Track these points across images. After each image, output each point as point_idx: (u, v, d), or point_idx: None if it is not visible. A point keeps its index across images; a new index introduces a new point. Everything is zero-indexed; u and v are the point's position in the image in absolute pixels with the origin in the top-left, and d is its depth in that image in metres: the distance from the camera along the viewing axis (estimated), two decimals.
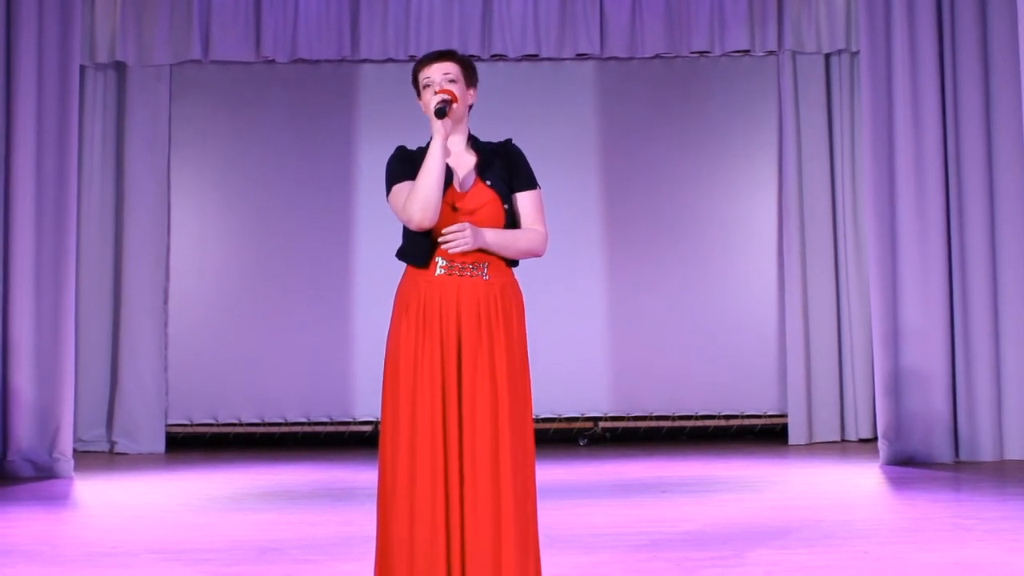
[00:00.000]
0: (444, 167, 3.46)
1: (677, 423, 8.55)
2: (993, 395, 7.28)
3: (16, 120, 7.04)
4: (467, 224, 3.44)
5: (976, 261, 7.30)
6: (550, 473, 6.81)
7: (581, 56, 8.59)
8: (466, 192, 3.53)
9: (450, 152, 3.53)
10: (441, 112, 3.48)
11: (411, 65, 3.71)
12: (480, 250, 3.50)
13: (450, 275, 3.49)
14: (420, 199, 3.43)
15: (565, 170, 8.39)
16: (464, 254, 3.49)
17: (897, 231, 7.29)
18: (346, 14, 8.45)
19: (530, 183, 3.61)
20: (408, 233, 3.55)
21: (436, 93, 3.52)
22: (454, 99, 3.53)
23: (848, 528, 5.17)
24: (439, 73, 3.57)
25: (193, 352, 8.41)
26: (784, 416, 8.44)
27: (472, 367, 3.43)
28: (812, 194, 8.50)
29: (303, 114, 8.60)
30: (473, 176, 3.57)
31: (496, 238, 3.50)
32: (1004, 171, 7.32)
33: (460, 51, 3.75)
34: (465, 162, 3.59)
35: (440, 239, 3.44)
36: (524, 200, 3.58)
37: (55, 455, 6.98)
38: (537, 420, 7.95)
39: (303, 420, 8.48)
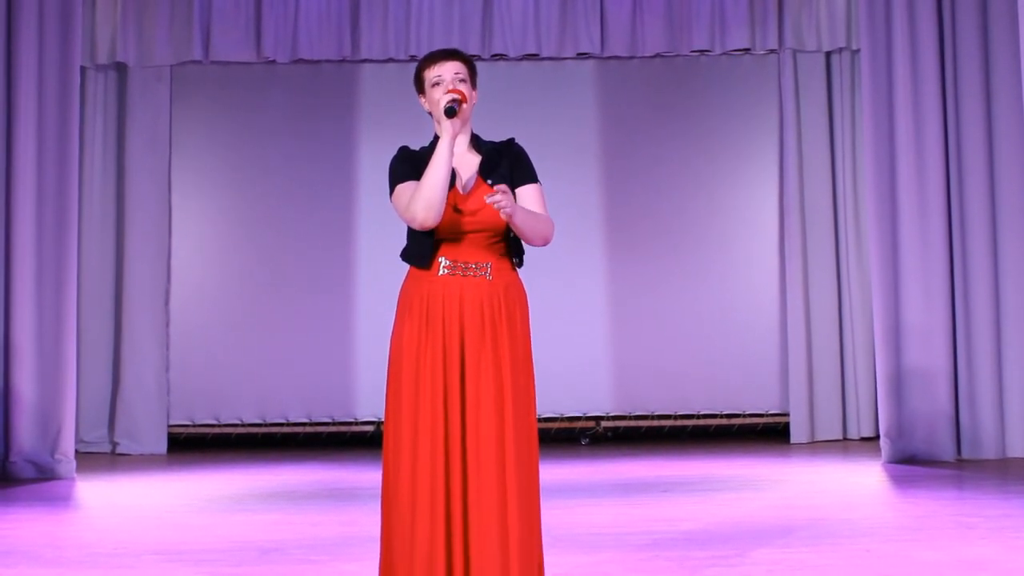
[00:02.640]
0: (451, 166, 3.45)
1: (679, 422, 8.55)
2: (995, 392, 7.28)
3: (17, 121, 7.04)
4: (506, 187, 3.41)
5: (978, 259, 7.30)
6: (552, 472, 6.80)
7: (582, 55, 8.59)
8: (469, 194, 3.53)
9: (454, 153, 3.52)
10: (451, 111, 3.46)
11: (412, 65, 3.70)
12: (484, 248, 3.49)
13: (453, 275, 3.49)
14: (425, 198, 3.42)
15: (566, 169, 8.39)
16: (468, 253, 3.48)
17: (898, 229, 7.29)
18: (346, 14, 8.45)
19: (532, 177, 3.60)
20: (411, 234, 3.54)
21: (447, 92, 3.51)
22: (464, 99, 3.52)
23: (850, 527, 5.16)
24: (450, 72, 3.55)
25: (195, 353, 8.41)
26: (786, 415, 8.43)
27: (475, 367, 3.42)
28: (813, 193, 8.50)
29: (304, 114, 8.60)
30: (476, 177, 3.56)
31: (524, 215, 3.48)
32: (1005, 169, 7.31)
33: (461, 51, 3.74)
34: (468, 163, 3.59)
35: (489, 198, 3.38)
36: (526, 193, 3.57)
37: (57, 456, 6.97)
38: (539, 420, 7.87)
39: (305, 420, 8.48)
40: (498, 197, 3.36)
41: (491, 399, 3.40)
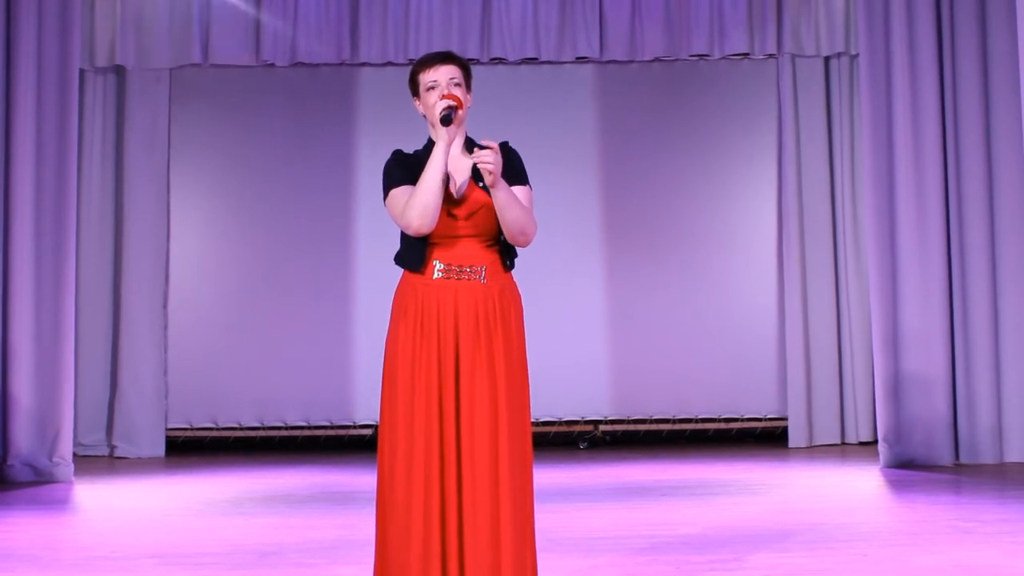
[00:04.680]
0: (445, 174, 3.45)
1: (677, 426, 8.55)
2: (993, 398, 7.28)
3: (16, 124, 7.05)
4: (498, 147, 3.40)
5: (976, 264, 7.30)
6: (550, 476, 6.81)
7: (580, 59, 8.60)
8: (461, 197, 3.52)
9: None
10: (447, 119, 3.45)
11: (410, 69, 3.68)
12: (479, 251, 3.49)
13: (448, 279, 3.48)
14: (420, 205, 3.42)
15: (564, 173, 8.40)
16: (462, 256, 3.48)
17: (897, 234, 7.29)
18: (345, 18, 8.46)
19: (521, 179, 3.58)
20: (405, 237, 3.54)
21: (442, 98, 3.50)
22: (460, 105, 3.51)
23: (848, 531, 5.16)
24: (446, 76, 3.54)
25: (193, 356, 8.40)
26: (784, 419, 8.43)
27: (470, 370, 3.42)
28: (812, 197, 8.50)
29: (302, 118, 8.60)
30: (469, 181, 3.55)
31: (510, 195, 3.45)
32: (1003, 174, 7.32)
33: (460, 54, 3.72)
34: (462, 166, 3.58)
35: (477, 158, 3.37)
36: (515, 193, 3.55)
37: (55, 460, 6.97)
38: (537, 423, 7.95)
39: (303, 424, 8.47)
40: (487, 155, 3.35)
41: (485, 403, 3.40)
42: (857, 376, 8.42)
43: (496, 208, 3.45)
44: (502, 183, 3.42)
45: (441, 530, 3.38)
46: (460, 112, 3.51)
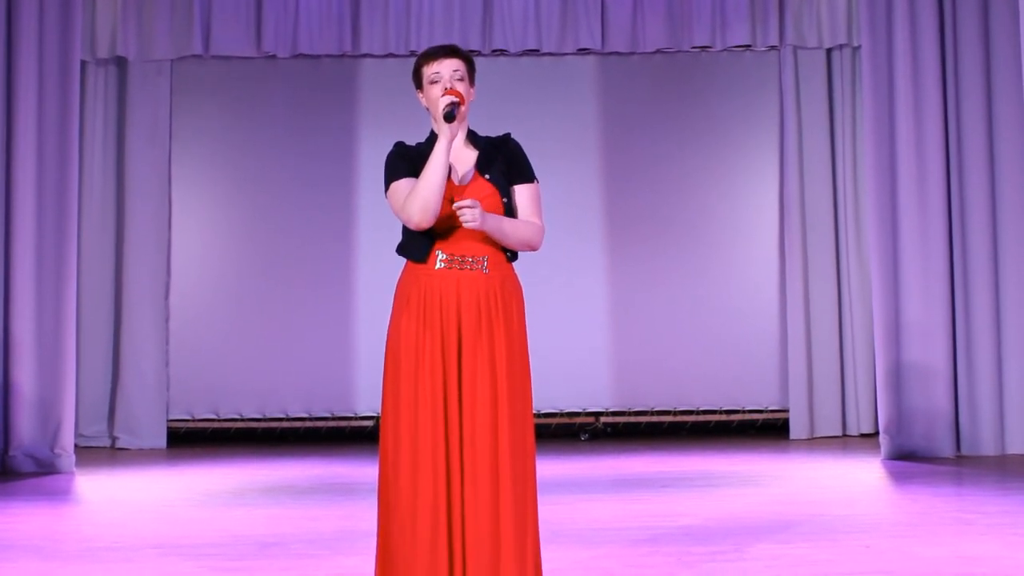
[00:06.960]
0: (447, 170, 3.45)
1: (679, 418, 8.56)
2: (994, 389, 7.29)
3: (17, 116, 7.05)
4: (478, 202, 3.42)
5: (978, 255, 7.30)
6: (551, 468, 6.81)
7: (582, 51, 8.58)
8: (465, 186, 3.52)
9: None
10: (450, 116, 3.45)
11: (412, 60, 3.68)
12: (480, 242, 3.49)
13: (450, 269, 3.49)
14: (420, 200, 3.42)
15: (566, 165, 8.39)
16: (464, 247, 3.48)
17: (899, 226, 7.29)
18: (347, 9, 8.45)
19: (528, 177, 3.60)
20: (407, 228, 3.54)
21: (445, 94, 3.49)
22: (462, 101, 3.50)
23: (850, 522, 5.17)
24: (449, 70, 3.54)
25: (194, 347, 8.41)
26: (786, 411, 8.44)
27: (472, 360, 3.42)
28: (813, 189, 8.50)
29: (304, 109, 8.60)
30: (472, 171, 3.56)
31: (497, 224, 3.47)
32: (1006, 166, 7.31)
33: (461, 46, 3.72)
34: (465, 157, 3.58)
35: (455, 205, 3.40)
36: (522, 193, 3.57)
37: (56, 450, 6.98)
38: (538, 415, 7.94)
39: (304, 415, 8.48)
40: (464, 213, 3.38)
41: (486, 393, 3.40)
42: (858, 368, 8.42)
43: (493, 238, 3.47)
44: (487, 218, 3.43)
45: (447, 520, 3.39)
46: (463, 108, 3.51)
